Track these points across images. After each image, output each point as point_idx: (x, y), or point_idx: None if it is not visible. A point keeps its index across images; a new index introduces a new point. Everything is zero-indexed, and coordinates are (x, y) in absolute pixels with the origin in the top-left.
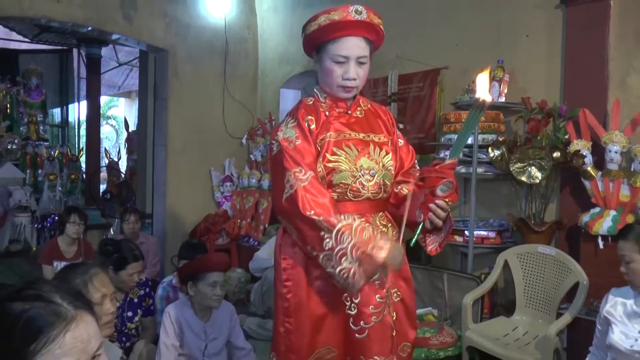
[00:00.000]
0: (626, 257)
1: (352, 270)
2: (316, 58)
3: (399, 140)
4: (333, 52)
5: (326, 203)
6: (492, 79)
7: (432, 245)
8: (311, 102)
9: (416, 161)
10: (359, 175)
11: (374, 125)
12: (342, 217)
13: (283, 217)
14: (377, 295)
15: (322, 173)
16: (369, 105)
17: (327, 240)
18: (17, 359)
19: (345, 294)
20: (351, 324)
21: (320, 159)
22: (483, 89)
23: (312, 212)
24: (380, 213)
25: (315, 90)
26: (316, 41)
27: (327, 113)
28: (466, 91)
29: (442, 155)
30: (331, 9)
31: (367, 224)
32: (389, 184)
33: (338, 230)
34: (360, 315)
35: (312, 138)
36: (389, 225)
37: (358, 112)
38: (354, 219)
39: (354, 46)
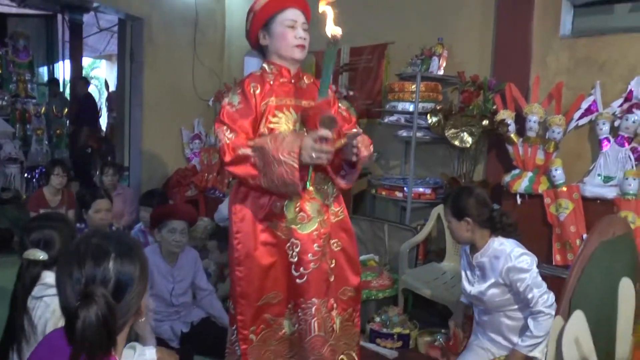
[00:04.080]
0: (446, 217)
1: (283, 171)
2: (264, 33)
3: (342, 111)
4: (284, 19)
5: (243, 141)
6: (433, 54)
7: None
8: (259, 74)
9: (357, 126)
10: None
11: (315, 95)
12: (256, 139)
13: (223, 169)
14: (314, 245)
15: (265, 133)
16: (312, 80)
17: (256, 160)
18: None
19: (288, 244)
20: (293, 271)
21: (264, 121)
22: (330, 24)
23: (235, 151)
24: (320, 172)
25: (263, 65)
26: (266, 15)
27: (271, 82)
28: (409, 64)
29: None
30: None
31: (278, 131)
32: None
33: (256, 147)
34: (301, 262)
35: (256, 102)
36: (329, 182)
37: (301, 84)
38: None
39: (298, 14)
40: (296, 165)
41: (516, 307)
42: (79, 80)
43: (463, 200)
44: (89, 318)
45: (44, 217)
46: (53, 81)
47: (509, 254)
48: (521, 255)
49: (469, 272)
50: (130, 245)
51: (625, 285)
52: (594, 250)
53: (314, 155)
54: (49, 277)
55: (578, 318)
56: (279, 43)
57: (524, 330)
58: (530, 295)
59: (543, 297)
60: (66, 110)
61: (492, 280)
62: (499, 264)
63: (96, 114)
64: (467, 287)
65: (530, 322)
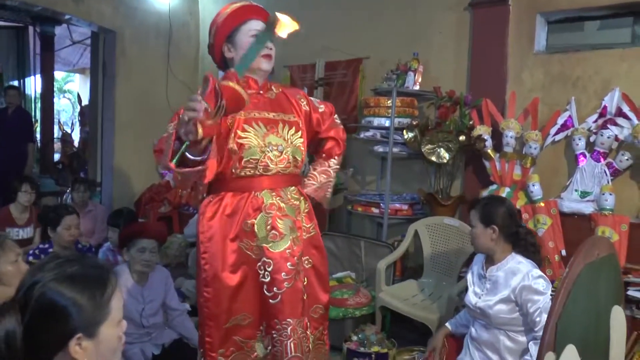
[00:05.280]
0: (471, 222)
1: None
2: (229, 46)
3: (320, 105)
4: (248, 29)
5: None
6: (408, 69)
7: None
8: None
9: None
10: (267, 151)
11: (284, 106)
12: None
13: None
14: (288, 263)
15: (235, 148)
16: (281, 89)
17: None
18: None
19: (259, 264)
20: (265, 291)
21: (232, 136)
22: (283, 16)
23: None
24: (292, 187)
25: None
26: (229, 27)
27: None
28: (385, 79)
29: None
30: (234, 1)
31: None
32: (299, 159)
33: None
34: (274, 282)
35: None
36: (301, 198)
37: (269, 94)
38: None
39: (261, 24)
40: (171, 130)
41: (521, 328)
42: (7, 89)
43: (493, 208)
44: None
45: None
46: None
47: (527, 273)
48: (539, 277)
49: (477, 284)
50: (84, 274)
51: (617, 314)
52: (579, 274)
53: (186, 116)
54: None
55: (570, 352)
56: None
57: (523, 354)
58: (537, 319)
59: None
60: (37, 124)
61: (503, 295)
62: (515, 281)
63: (27, 131)
64: (473, 298)
65: (531, 346)
